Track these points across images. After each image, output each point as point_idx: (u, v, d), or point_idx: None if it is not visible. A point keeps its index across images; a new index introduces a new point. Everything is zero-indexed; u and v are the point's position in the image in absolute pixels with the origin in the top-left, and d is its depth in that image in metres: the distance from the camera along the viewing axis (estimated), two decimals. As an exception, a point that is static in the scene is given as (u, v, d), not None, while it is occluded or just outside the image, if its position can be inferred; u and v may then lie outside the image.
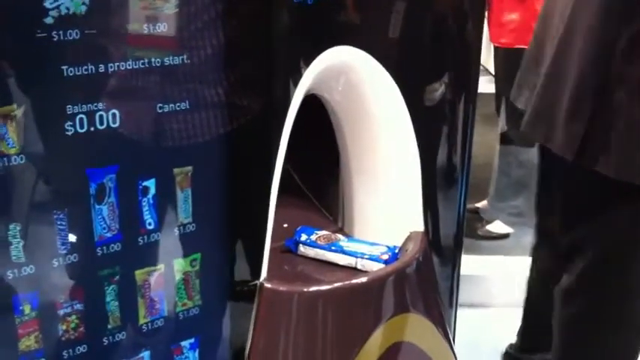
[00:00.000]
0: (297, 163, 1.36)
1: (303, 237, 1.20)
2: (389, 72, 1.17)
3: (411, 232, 1.25)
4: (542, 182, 1.71)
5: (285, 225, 1.26)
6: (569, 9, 1.41)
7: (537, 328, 1.85)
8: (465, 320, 2.06)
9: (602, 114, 1.40)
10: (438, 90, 1.33)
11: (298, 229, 1.23)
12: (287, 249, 1.22)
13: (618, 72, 1.39)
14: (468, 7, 1.34)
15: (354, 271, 1.17)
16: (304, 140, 1.27)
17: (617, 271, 1.51)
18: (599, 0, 1.37)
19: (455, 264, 1.52)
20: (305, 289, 1.10)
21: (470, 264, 2.14)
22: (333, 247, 1.18)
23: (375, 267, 1.15)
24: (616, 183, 1.39)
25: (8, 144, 0.83)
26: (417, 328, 1.23)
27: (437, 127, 1.36)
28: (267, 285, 1.07)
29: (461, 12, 1.32)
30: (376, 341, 1.15)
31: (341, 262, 1.18)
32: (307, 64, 1.07)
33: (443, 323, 1.30)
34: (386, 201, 1.27)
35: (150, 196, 0.96)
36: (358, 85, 1.18)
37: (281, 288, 1.09)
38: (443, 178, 1.42)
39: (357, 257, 1.17)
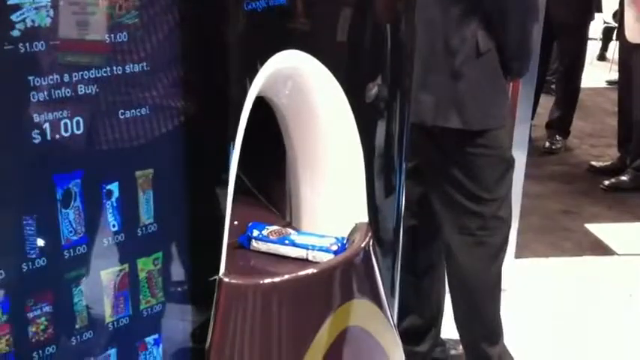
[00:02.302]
0: (243, 162, 1.41)
1: (255, 232, 1.26)
2: (333, 73, 1.24)
3: (356, 224, 1.33)
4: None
5: (236, 222, 1.31)
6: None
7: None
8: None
9: (446, 80, 1.78)
10: (377, 89, 1.40)
11: (250, 225, 1.28)
12: (240, 245, 1.27)
13: (453, 43, 1.75)
14: (402, 10, 1.42)
15: (306, 262, 1.23)
16: (250, 140, 1.32)
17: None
18: None
19: (395, 255, 1.61)
20: (261, 282, 1.16)
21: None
22: (285, 241, 1.24)
23: (326, 258, 1.22)
24: (466, 133, 1.82)
25: (-22, 153, 0.85)
26: (364, 313, 1.31)
27: (376, 124, 1.44)
28: (226, 279, 1.13)
29: (395, 15, 1.40)
30: (328, 328, 1.22)
31: (292, 255, 1.24)
32: (259, 68, 1.13)
33: (386, 307, 1.38)
34: (332, 195, 1.34)
35: (113, 199, 1.00)
36: (304, 87, 1.24)
37: (238, 282, 1.14)
38: (382, 172, 1.51)
39: (307, 249, 1.23)
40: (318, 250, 1.23)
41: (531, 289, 2.86)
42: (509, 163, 2.01)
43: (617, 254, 3.16)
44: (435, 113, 1.84)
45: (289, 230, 1.28)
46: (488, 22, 1.76)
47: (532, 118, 4.34)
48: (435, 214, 2.05)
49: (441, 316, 2.36)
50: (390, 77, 1.40)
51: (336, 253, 1.23)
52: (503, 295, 2.18)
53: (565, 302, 2.77)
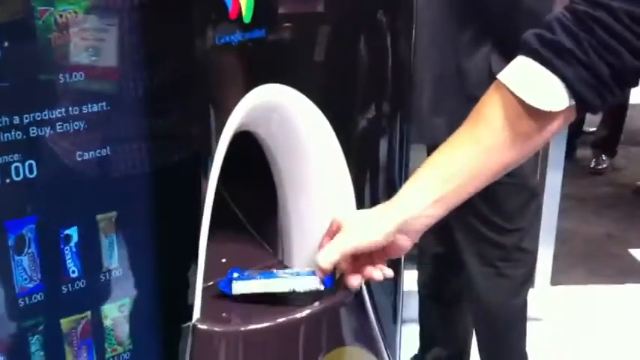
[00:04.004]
0: (237, 197, 1.36)
1: (236, 275, 1.19)
2: (319, 104, 1.18)
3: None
4: None
5: (224, 260, 1.26)
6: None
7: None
8: (412, 336, 2.11)
9: (459, 103, 1.66)
10: (371, 118, 1.34)
11: (230, 270, 1.21)
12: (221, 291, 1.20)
13: (465, 67, 1.69)
14: (399, 31, 1.35)
15: (292, 306, 1.16)
16: (244, 174, 1.28)
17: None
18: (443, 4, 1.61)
19: (397, 279, 1.53)
20: (240, 328, 1.10)
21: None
22: (266, 279, 1.17)
23: (311, 300, 1.15)
24: None
25: None
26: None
27: (371, 155, 1.38)
28: (201, 326, 1.07)
29: (392, 35, 1.33)
30: (314, 376, 1.15)
31: (277, 290, 1.15)
32: (235, 104, 1.08)
33: (384, 353, 1.31)
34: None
35: (72, 244, 0.95)
36: (289, 121, 1.18)
37: (214, 328, 1.08)
38: (383, 197, 1.44)
39: (291, 289, 1.15)
40: (303, 290, 1.15)
41: (568, 318, 2.72)
42: (533, 192, 1.91)
43: (663, 282, 2.99)
44: (449, 136, 1.78)
45: (274, 269, 1.22)
46: (502, 45, 1.68)
47: (578, 137, 4.20)
48: (456, 242, 1.97)
49: (469, 348, 2.27)
50: (382, 104, 1.33)
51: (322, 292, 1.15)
52: (538, 324, 2.08)
53: (604, 332, 2.62)
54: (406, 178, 1.45)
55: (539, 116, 0.95)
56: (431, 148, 1.77)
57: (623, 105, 4.12)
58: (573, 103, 0.92)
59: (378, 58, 1.29)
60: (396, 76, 1.36)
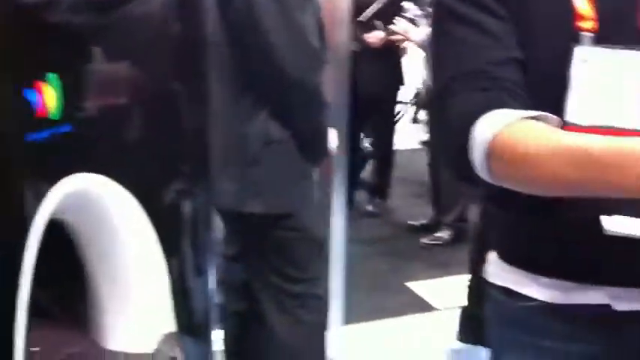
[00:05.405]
0: (43, 281, 1.38)
1: None
2: (127, 186, 1.26)
3: (164, 334, 1.34)
4: None
5: (37, 348, 1.26)
6: None
7: None
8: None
9: (243, 168, 1.85)
10: (176, 191, 1.44)
11: None
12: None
13: (245, 132, 1.84)
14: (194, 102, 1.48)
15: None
16: (51, 257, 1.30)
17: None
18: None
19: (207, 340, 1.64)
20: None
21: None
22: None
23: None
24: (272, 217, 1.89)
25: None
26: None
27: (178, 225, 1.48)
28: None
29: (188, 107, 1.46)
30: None
31: None
32: (47, 195, 1.12)
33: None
34: (137, 307, 1.34)
35: None
36: (99, 208, 1.24)
37: None
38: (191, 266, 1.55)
39: None
40: None
41: (361, 356, 2.93)
42: (320, 243, 2.09)
43: (437, 309, 3.34)
44: (237, 200, 1.89)
45: None
46: (277, 112, 1.84)
47: (355, 183, 4.57)
48: (256, 297, 2.08)
49: None
50: (184, 175, 1.45)
51: None
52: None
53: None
54: (212, 240, 1.58)
55: None
56: (224, 214, 1.88)
57: (389, 154, 4.64)
58: None
59: (176, 132, 1.41)
60: (195, 145, 1.49)
